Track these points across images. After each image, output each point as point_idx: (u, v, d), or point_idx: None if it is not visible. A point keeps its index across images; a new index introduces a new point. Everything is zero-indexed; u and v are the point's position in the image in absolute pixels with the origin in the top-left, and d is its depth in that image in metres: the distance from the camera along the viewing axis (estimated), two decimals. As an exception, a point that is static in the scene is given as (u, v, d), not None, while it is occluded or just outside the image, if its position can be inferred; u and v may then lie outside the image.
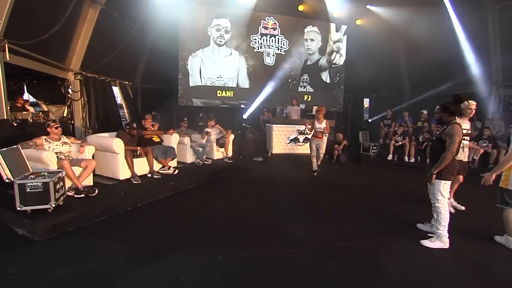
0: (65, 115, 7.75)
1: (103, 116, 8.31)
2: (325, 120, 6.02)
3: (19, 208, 2.92)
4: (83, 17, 7.05)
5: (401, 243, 3.11)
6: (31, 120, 6.39)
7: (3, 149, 2.99)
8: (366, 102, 12.60)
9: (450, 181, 2.98)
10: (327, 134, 6.12)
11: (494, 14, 8.01)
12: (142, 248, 2.78)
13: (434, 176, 2.92)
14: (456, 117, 2.97)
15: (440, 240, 2.99)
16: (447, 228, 2.98)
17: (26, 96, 8.43)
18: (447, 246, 2.96)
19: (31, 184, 2.91)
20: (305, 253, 2.80)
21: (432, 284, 2.36)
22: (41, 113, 6.87)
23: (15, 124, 5.87)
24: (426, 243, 3.03)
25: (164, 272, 2.39)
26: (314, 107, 7.60)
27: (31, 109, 7.00)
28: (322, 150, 6.18)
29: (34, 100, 8.76)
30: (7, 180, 2.91)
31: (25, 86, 8.31)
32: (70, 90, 7.58)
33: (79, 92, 7.62)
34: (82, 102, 7.69)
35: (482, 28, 8.23)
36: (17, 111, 6.56)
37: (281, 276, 2.42)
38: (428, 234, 3.14)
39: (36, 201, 2.95)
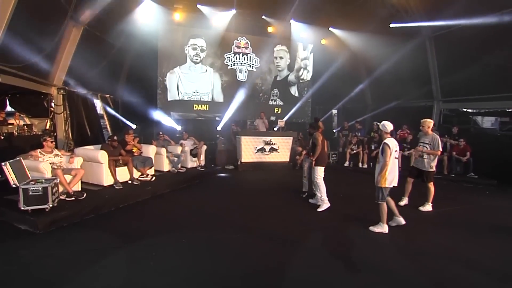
0: (47, 127, 8.21)
1: (85, 129, 8.80)
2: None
3: (22, 208, 3.62)
4: (67, 36, 7.59)
5: (328, 229, 4.09)
6: (16, 133, 6.90)
7: (11, 160, 3.69)
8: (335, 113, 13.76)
9: (322, 167, 4.90)
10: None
11: (431, 40, 9.48)
12: (124, 236, 3.57)
13: (314, 163, 4.89)
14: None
15: (324, 204, 4.77)
16: (325, 195, 4.78)
17: (9, 109, 8.76)
18: (328, 204, 4.77)
19: (33, 188, 3.63)
20: (249, 237, 3.71)
21: (334, 256, 3.32)
22: (25, 126, 7.37)
23: (2, 138, 6.38)
24: (318, 209, 4.76)
25: (141, 250, 3.22)
26: (279, 120, 8.56)
27: (20, 122, 7.42)
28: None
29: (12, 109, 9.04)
30: (14, 185, 3.62)
31: (7, 100, 8.69)
32: (52, 104, 8.08)
33: (62, 106, 8.11)
34: (65, 115, 8.18)
35: (422, 52, 9.68)
36: (3, 125, 7.02)
37: (228, 252, 3.29)
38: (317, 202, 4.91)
39: (37, 202, 3.67)
